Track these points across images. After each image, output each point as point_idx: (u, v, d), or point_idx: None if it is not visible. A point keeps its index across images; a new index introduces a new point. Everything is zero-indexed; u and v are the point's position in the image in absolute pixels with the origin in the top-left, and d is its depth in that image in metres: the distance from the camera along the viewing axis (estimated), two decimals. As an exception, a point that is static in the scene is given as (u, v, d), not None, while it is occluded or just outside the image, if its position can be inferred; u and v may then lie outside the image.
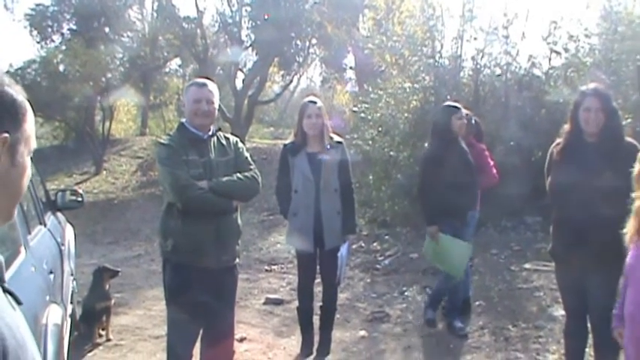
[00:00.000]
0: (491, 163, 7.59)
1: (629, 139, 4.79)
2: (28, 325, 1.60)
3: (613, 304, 4.94)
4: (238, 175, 5.00)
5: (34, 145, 1.69)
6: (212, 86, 5.08)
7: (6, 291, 1.58)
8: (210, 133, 5.03)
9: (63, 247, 6.28)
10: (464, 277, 7.16)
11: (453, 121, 6.80)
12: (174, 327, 5.13)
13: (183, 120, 5.10)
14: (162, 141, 5.12)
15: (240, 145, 5.27)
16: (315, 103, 6.24)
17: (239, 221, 5.22)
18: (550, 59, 11.90)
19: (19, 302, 1.64)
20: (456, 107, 6.98)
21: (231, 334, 5.45)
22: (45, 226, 5.64)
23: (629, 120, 8.62)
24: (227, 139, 5.20)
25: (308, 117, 6.11)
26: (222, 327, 5.20)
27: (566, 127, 4.94)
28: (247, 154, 5.26)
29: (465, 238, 6.96)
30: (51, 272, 4.86)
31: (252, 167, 5.15)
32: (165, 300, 5.12)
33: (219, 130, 5.22)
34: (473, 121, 7.46)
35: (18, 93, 1.61)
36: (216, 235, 4.91)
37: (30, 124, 1.65)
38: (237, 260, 5.27)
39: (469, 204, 6.94)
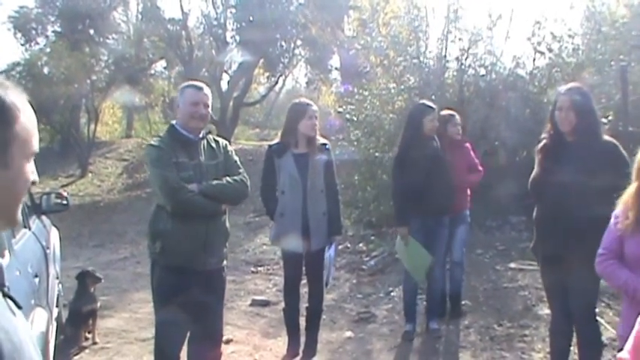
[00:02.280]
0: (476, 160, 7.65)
1: (607, 137, 4.81)
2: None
3: (595, 302, 4.99)
4: (228, 178, 5.01)
5: (33, 148, 1.68)
6: (207, 90, 5.09)
7: (6, 295, 1.58)
8: (200, 135, 5.03)
9: (48, 251, 6.26)
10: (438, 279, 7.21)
11: (425, 123, 6.79)
12: (161, 329, 5.10)
13: (174, 122, 5.11)
14: (152, 142, 5.12)
15: (229, 148, 5.29)
16: (312, 105, 6.27)
17: (227, 224, 5.21)
18: (534, 59, 11.95)
19: (19, 306, 1.64)
20: (429, 107, 6.95)
21: (220, 336, 5.44)
22: (29, 229, 5.62)
23: (610, 119, 8.68)
24: (216, 142, 5.21)
25: (309, 118, 6.11)
26: (210, 329, 5.19)
27: (548, 126, 4.98)
28: (236, 158, 5.27)
29: (440, 238, 6.96)
30: (36, 276, 4.85)
31: (241, 171, 5.16)
32: (153, 302, 5.13)
33: (209, 133, 5.22)
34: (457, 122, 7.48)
35: (8, 94, 1.59)
36: (204, 237, 4.92)
37: (25, 126, 1.63)
38: (225, 262, 5.28)
39: (442, 204, 6.84)
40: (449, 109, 7.82)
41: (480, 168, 7.54)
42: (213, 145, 5.15)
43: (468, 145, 7.62)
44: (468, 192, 7.51)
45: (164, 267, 4.96)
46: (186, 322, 4.99)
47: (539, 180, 5.00)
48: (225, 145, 5.28)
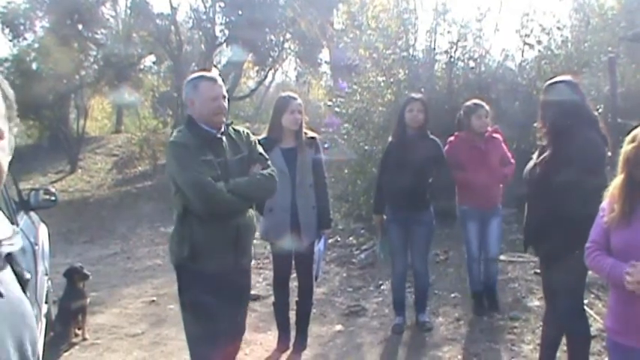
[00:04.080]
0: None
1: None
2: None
3: (581, 293, 5.00)
4: (257, 173, 4.78)
5: (6, 144, 1.64)
6: (220, 80, 4.84)
7: None
8: (222, 130, 4.75)
9: (37, 247, 6.23)
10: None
11: (405, 114, 6.76)
12: (195, 336, 4.88)
13: (190, 115, 4.78)
14: (176, 140, 4.70)
15: (252, 138, 5.01)
16: (295, 99, 6.22)
17: (254, 219, 5.02)
18: (523, 52, 11.97)
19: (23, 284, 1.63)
20: (411, 98, 6.90)
21: (242, 335, 5.30)
22: (17, 226, 5.59)
23: (599, 110, 8.68)
24: (237, 132, 4.93)
25: (291, 112, 6.07)
26: (235, 329, 5.07)
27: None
28: (260, 148, 5.02)
29: (417, 235, 6.88)
30: (24, 272, 4.82)
31: (268, 163, 4.94)
32: (181, 307, 4.91)
33: (230, 124, 4.94)
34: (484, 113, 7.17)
35: None
36: (236, 238, 4.71)
37: None
38: (253, 261, 5.14)
39: (416, 199, 6.76)
40: (477, 98, 7.62)
41: (512, 160, 7.21)
42: (235, 137, 4.86)
43: (499, 136, 7.27)
44: (500, 186, 7.27)
45: (193, 271, 4.69)
46: (217, 324, 4.71)
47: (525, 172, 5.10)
48: (247, 134, 4.99)
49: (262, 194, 5.04)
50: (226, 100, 4.78)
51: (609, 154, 4.74)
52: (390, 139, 7.05)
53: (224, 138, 4.74)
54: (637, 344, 3.48)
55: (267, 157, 5.00)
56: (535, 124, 5.16)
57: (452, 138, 7.22)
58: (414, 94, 7.18)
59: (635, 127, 3.57)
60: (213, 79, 4.76)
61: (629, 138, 3.56)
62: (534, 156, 5.10)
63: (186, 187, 4.55)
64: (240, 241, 4.76)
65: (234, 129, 4.92)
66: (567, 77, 5.14)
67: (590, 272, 4.35)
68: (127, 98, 24.78)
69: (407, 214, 6.80)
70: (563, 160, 4.60)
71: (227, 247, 4.66)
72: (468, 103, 7.25)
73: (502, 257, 8.77)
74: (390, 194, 6.84)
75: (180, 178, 4.60)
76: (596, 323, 6.21)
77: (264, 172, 4.83)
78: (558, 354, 5.35)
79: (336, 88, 15.88)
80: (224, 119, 4.75)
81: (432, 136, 6.83)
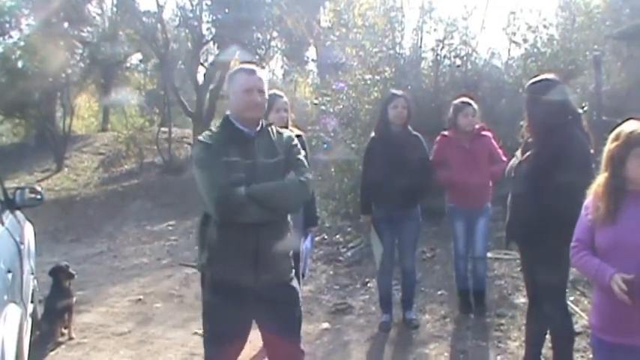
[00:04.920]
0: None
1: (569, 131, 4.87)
2: None
3: (562, 289, 5.02)
4: (287, 179, 4.25)
5: None
6: (261, 73, 4.41)
7: None
8: (258, 128, 4.32)
9: (22, 246, 6.20)
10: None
11: (388, 110, 6.73)
12: (212, 346, 4.47)
13: (228, 112, 4.39)
14: (201, 138, 4.32)
15: (294, 142, 4.48)
16: (281, 97, 6.18)
17: (289, 232, 4.45)
18: (509, 50, 12.02)
19: None
20: (393, 95, 6.89)
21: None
22: (2, 224, 5.56)
23: (585, 108, 8.71)
24: (280, 134, 4.45)
25: (277, 111, 6.03)
26: (284, 354, 4.51)
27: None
28: (302, 154, 4.50)
29: (407, 231, 6.87)
30: (9, 271, 4.80)
31: (303, 170, 4.36)
32: (202, 315, 4.50)
33: (271, 124, 4.49)
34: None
35: None
36: (255, 250, 4.14)
37: None
38: (292, 276, 4.47)
39: (404, 196, 6.69)
40: (465, 96, 7.51)
41: (504, 158, 6.96)
42: (275, 138, 4.39)
43: (488, 134, 7.24)
44: (490, 184, 7.18)
45: (212, 280, 4.33)
46: (238, 338, 4.37)
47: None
48: (290, 137, 4.49)
49: (289, 203, 4.34)
50: (265, 95, 4.37)
51: (592, 151, 4.76)
52: (372, 135, 7.04)
53: (257, 138, 4.29)
54: (621, 341, 3.51)
55: (306, 163, 4.48)
56: (522, 123, 5.17)
57: (439, 137, 7.22)
58: (395, 91, 7.15)
59: (619, 124, 3.59)
60: (250, 71, 4.35)
61: (612, 136, 3.57)
62: (518, 153, 5.12)
63: (201, 187, 4.19)
64: (261, 255, 4.18)
65: (277, 131, 4.47)
66: (550, 75, 5.16)
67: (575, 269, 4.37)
68: (114, 96, 24.78)
69: (394, 211, 6.76)
70: (549, 158, 4.62)
71: (244, 260, 4.15)
72: (457, 101, 7.23)
73: (489, 254, 8.79)
74: (376, 192, 6.80)
75: (197, 178, 4.24)
76: (582, 320, 6.23)
77: (295, 178, 4.28)
78: (544, 350, 5.38)
79: (322, 86, 15.88)
80: (259, 115, 4.33)
81: (414, 132, 6.83)
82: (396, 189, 6.57)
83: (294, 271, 4.52)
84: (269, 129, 4.39)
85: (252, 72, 4.32)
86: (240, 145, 4.22)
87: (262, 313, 4.30)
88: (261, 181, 4.16)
